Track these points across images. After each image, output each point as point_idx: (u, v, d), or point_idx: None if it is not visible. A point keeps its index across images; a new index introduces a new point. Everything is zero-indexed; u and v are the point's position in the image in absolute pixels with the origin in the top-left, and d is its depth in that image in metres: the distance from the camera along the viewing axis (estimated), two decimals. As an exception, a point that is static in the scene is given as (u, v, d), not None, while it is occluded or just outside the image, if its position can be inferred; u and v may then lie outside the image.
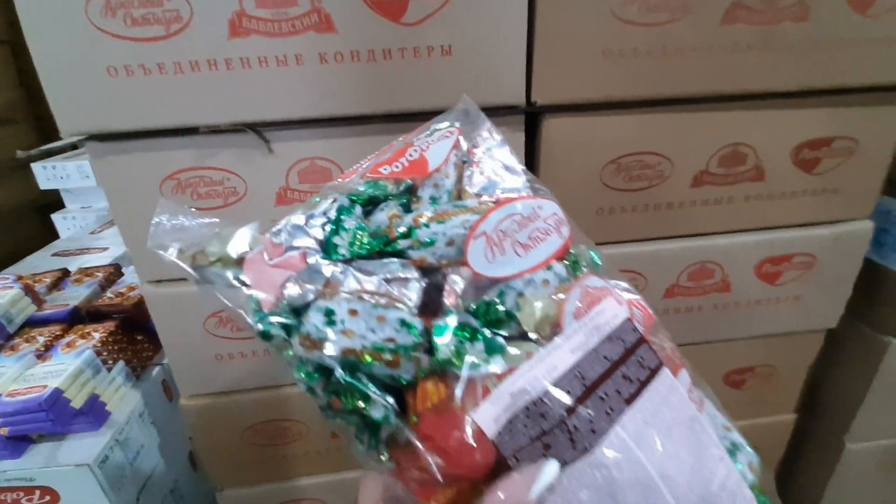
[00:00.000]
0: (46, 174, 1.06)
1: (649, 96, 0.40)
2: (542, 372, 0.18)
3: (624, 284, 0.24)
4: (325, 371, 0.19)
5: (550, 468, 0.16)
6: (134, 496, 0.58)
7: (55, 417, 0.51)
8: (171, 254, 0.21)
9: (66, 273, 0.78)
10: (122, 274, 0.78)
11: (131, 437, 0.58)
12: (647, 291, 0.47)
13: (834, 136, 0.43)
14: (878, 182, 0.46)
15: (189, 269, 0.21)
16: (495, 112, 0.39)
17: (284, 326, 0.20)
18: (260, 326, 0.20)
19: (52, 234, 1.07)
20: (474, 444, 0.17)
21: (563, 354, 0.19)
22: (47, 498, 0.52)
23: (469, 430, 0.17)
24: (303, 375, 0.20)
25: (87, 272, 0.77)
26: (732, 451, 0.21)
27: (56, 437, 0.53)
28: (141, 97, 0.35)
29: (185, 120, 0.36)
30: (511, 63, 0.37)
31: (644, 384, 0.19)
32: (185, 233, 0.22)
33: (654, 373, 0.20)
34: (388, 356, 0.18)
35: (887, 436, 0.55)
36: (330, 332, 0.19)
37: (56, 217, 1.10)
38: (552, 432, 0.17)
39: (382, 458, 0.19)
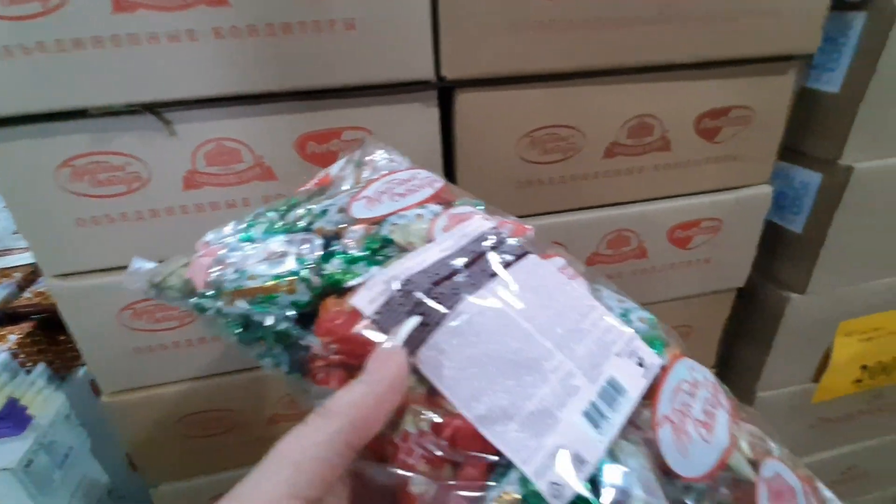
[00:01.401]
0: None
1: (556, 69, 0.41)
2: (413, 264, 0.21)
3: (511, 217, 0.27)
4: (248, 321, 0.23)
5: (412, 320, 0.19)
6: (66, 500, 0.55)
7: (-33, 425, 0.48)
8: (139, 287, 0.25)
9: (-22, 275, 0.72)
10: (42, 273, 0.73)
11: (57, 440, 0.56)
12: (569, 261, 0.49)
13: (731, 105, 0.46)
14: (774, 148, 0.49)
15: (150, 292, 0.25)
16: (407, 88, 0.39)
17: (213, 297, 0.23)
18: (193, 300, 0.23)
19: (-32, 236, 0.99)
20: (356, 325, 0.19)
21: (432, 253, 0.22)
22: (-29, 506, 0.49)
23: (350, 314, 0.20)
24: (234, 330, 0.23)
25: (2, 273, 0.72)
26: (625, 312, 0.23)
27: (-27, 445, 0.50)
28: (21, 79, 0.33)
29: (72, 102, 0.34)
30: (417, 37, 0.37)
31: (509, 264, 0.22)
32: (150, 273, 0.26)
33: (519, 257, 0.22)
34: (284, 283, 0.21)
35: (793, 383, 0.61)
36: (240, 282, 0.22)
37: (-30, 217, 1.01)
38: (422, 303, 0.19)
39: (306, 381, 0.22)
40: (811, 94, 0.48)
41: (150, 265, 0.26)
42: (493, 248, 0.23)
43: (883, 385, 0.64)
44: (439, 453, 0.17)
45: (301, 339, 0.21)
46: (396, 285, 0.20)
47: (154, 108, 0.36)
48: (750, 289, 0.56)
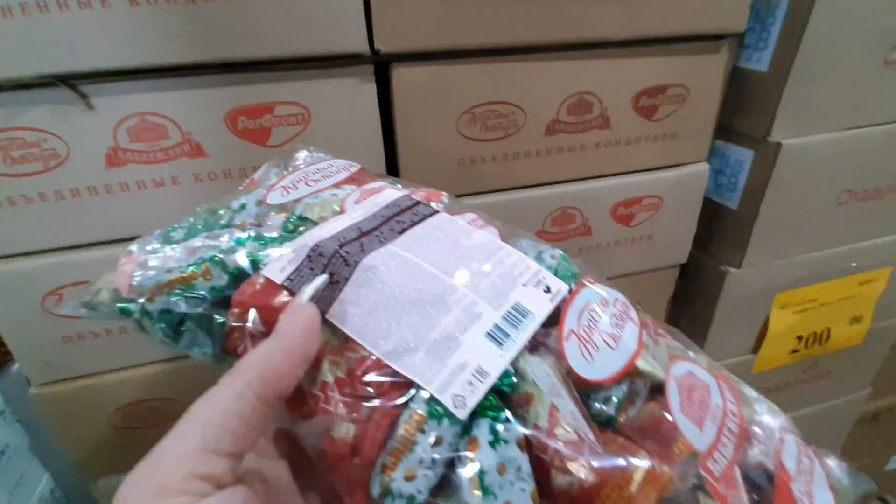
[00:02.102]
0: None
1: (493, 44, 0.40)
2: (323, 232, 0.21)
3: (428, 189, 0.27)
4: (172, 315, 0.22)
5: (319, 278, 0.19)
6: (4, 499, 0.53)
7: None
8: (77, 311, 0.24)
9: None
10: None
11: (-10, 439, 0.53)
12: (515, 239, 0.50)
13: (667, 83, 0.47)
14: (710, 126, 0.51)
15: (84, 312, 0.25)
16: (341, 62, 0.38)
17: (136, 299, 0.23)
18: (119, 306, 0.23)
19: None
20: (268, 292, 0.20)
21: (343, 221, 0.22)
22: None
23: (262, 285, 0.20)
24: (160, 327, 0.23)
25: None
26: (539, 254, 0.24)
27: None
28: (-86, 46, 0.31)
29: (-24, 73, 0.32)
30: (348, 8, 0.36)
31: (417, 223, 0.23)
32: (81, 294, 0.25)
33: (428, 216, 0.23)
34: (200, 269, 0.22)
35: (734, 354, 0.63)
36: (159, 277, 0.22)
37: None
38: (331, 263, 0.20)
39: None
40: (743, 73, 0.49)
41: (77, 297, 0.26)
42: (403, 210, 0.23)
43: (817, 355, 0.68)
44: (355, 395, 0.18)
45: (223, 323, 0.21)
46: (305, 251, 0.21)
47: (68, 81, 0.34)
48: (691, 265, 0.58)
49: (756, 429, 0.20)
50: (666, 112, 0.48)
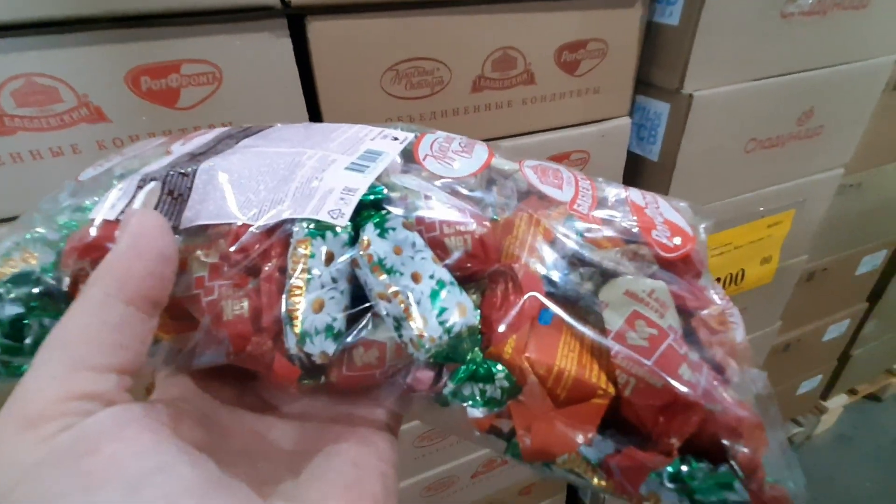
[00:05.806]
0: None
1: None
2: (150, 167, 0.20)
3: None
4: (4, 323, 0.19)
5: (148, 186, 0.18)
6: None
7: None
8: None
9: None
10: None
11: None
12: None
13: (587, 38, 0.48)
14: (629, 80, 0.53)
15: None
16: (250, 16, 0.36)
17: None
18: None
19: None
20: (102, 230, 0.18)
21: (171, 156, 0.21)
22: None
23: (95, 226, 0.18)
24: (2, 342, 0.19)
25: None
26: (387, 125, 0.25)
27: None
28: None
29: None
30: (252, -43, 0.34)
31: (252, 134, 0.23)
32: None
33: (265, 129, 0.23)
34: (19, 254, 0.19)
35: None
36: None
37: None
38: (167, 182, 0.19)
39: None
40: (657, 27, 0.51)
41: None
42: (237, 132, 0.23)
43: (734, 294, 0.74)
44: (235, 269, 0.17)
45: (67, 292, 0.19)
46: (135, 183, 0.19)
47: (-69, 37, 0.30)
48: (619, 216, 0.61)
49: (607, 192, 0.23)
50: (588, 67, 0.50)
